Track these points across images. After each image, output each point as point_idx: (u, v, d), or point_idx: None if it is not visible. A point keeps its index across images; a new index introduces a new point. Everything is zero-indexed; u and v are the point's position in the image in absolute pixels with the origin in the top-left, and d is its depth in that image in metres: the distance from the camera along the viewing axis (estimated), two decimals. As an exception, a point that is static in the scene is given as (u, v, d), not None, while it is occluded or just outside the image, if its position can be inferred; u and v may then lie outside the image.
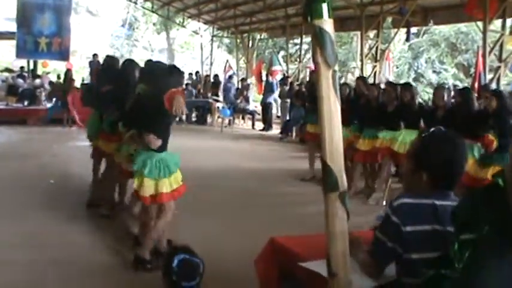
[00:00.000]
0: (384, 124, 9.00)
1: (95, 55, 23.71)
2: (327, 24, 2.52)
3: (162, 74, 5.60)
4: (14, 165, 10.44)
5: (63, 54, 20.93)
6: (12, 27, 23.60)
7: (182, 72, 6.11)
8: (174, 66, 6.39)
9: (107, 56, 9.23)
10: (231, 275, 5.17)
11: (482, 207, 1.92)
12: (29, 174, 9.52)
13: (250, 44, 29.57)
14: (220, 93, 22.33)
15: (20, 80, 20.42)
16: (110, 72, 7.55)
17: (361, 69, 19.31)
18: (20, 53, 21.63)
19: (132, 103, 5.81)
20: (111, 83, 6.97)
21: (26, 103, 18.45)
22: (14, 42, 22.18)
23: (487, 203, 1.92)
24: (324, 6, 2.51)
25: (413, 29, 22.08)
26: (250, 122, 20.87)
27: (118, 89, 6.62)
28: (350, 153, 9.11)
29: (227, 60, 25.84)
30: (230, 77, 23.32)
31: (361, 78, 10.99)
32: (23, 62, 23.91)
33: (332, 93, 2.50)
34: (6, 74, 23.20)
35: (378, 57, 19.28)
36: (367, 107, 9.47)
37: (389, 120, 8.95)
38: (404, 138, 8.36)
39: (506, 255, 1.83)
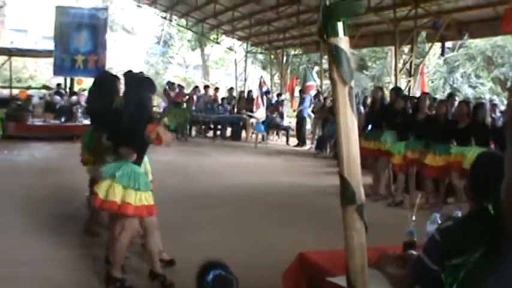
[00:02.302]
0: (455, 140, 9.28)
1: (130, 72, 23.90)
2: (343, 42, 2.58)
3: (134, 86, 5.48)
4: (51, 182, 10.59)
5: (100, 71, 21.13)
6: (50, 45, 23.97)
7: (151, 82, 5.95)
8: (144, 76, 6.36)
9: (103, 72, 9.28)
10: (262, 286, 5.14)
11: (473, 234, 1.99)
12: (64, 190, 9.65)
13: (284, 60, 29.58)
14: (254, 109, 22.35)
15: (57, 97, 20.70)
16: (98, 88, 7.56)
17: (395, 84, 19.16)
18: (58, 70, 21.92)
19: (110, 117, 5.74)
20: (100, 99, 6.97)
21: (63, 119, 18.69)
22: (51, 60, 22.52)
23: (476, 230, 1.99)
24: (340, 24, 2.57)
25: (448, 43, 21.90)
26: (284, 138, 20.85)
27: (104, 104, 6.52)
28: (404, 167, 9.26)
29: (261, 76, 25.86)
30: (268, 92, 23.35)
31: (397, 89, 11.12)
32: (60, 79, 24.24)
33: (349, 109, 2.55)
34: (44, 91, 23.52)
35: (412, 72, 19.11)
36: (434, 123, 9.51)
37: (460, 136, 9.11)
38: (474, 155, 8.35)
39: (498, 270, 1.91)
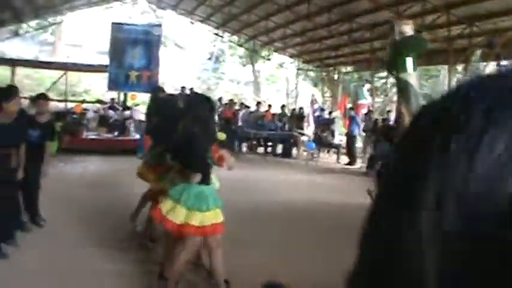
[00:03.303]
0: None
1: (183, 88, 24.16)
2: (412, 77, 2.57)
3: (196, 106, 5.56)
4: (105, 194, 10.75)
5: (152, 87, 21.31)
6: (104, 60, 24.41)
7: (212, 101, 5.97)
8: (205, 96, 6.38)
9: (157, 87, 9.43)
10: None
11: None
12: (117, 203, 9.77)
13: (335, 77, 29.50)
14: (305, 126, 22.31)
15: (111, 111, 21.05)
16: (156, 105, 7.67)
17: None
18: (112, 85, 22.29)
19: (176, 139, 5.78)
20: (157, 115, 7.07)
21: (116, 133, 18.98)
22: (105, 75, 22.92)
23: None
24: (409, 60, 2.56)
25: (504, 62, 21.52)
26: (335, 156, 20.72)
27: (163, 122, 6.66)
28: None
29: (313, 94, 25.85)
30: (322, 109, 23.32)
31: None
32: (113, 94, 24.63)
33: None
34: (98, 105, 23.93)
35: (466, 92, 18.81)
36: None
37: None
38: None
39: None
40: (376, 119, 19.44)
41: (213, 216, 5.32)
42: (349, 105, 23.11)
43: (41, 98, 8.35)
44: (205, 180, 5.38)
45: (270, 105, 24.66)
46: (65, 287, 5.66)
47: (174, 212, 5.22)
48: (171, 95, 7.86)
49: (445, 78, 24.35)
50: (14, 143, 6.64)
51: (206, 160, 5.30)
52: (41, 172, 7.83)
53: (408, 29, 2.65)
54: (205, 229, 5.27)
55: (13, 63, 26.44)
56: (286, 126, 22.43)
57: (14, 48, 36.12)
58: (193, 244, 5.39)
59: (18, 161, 6.95)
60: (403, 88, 2.39)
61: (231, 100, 23.27)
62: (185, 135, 5.37)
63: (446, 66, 20.59)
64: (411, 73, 2.39)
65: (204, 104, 5.61)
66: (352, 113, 20.60)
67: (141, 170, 7.50)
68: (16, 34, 29.44)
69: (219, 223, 5.38)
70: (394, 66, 2.44)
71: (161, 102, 7.44)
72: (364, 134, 20.32)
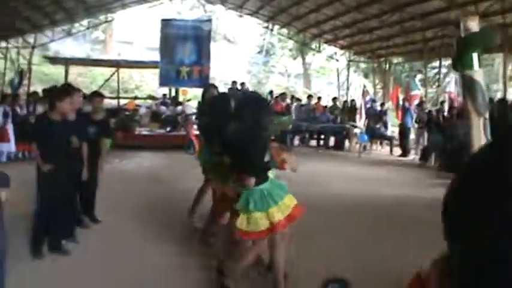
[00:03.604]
0: None
1: (234, 82, 24.14)
2: (478, 74, 2.49)
3: (253, 109, 5.34)
4: (160, 189, 10.87)
5: (203, 82, 21.43)
6: (153, 56, 24.66)
7: (268, 103, 5.78)
8: (261, 97, 6.21)
9: (209, 84, 9.38)
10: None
11: None
12: (173, 198, 9.86)
13: (386, 68, 29.15)
14: (357, 119, 22.11)
15: (163, 107, 21.26)
16: (208, 103, 7.59)
17: (504, 92, 18.45)
18: (163, 81, 22.51)
19: (227, 141, 5.59)
20: (209, 114, 6.99)
21: (168, 129, 19.14)
22: (156, 71, 23.15)
23: None
24: (475, 56, 2.48)
25: None
26: (387, 148, 20.48)
27: (214, 121, 6.51)
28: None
29: (364, 86, 25.59)
30: (374, 100, 23.05)
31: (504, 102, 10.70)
32: (165, 90, 24.84)
33: (483, 139, 2.46)
34: (149, 101, 24.17)
35: (522, 80, 18.36)
36: None
37: None
38: None
39: None
40: (430, 110, 19.10)
41: (290, 201, 5.27)
42: (401, 97, 22.78)
43: (95, 96, 8.46)
44: (262, 180, 5.26)
45: (319, 98, 24.48)
46: (123, 282, 5.70)
47: (254, 223, 5.13)
48: (224, 92, 7.78)
49: (500, 67, 23.77)
50: (69, 141, 6.69)
51: (264, 164, 5.17)
52: (98, 168, 7.93)
53: (474, 25, 2.57)
54: (291, 215, 5.22)
55: (66, 62, 26.96)
56: (338, 119, 22.28)
57: (67, 48, 36.84)
58: (263, 244, 5.34)
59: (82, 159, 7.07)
60: (469, 86, 2.32)
61: (283, 93, 23.16)
62: (238, 138, 5.25)
63: (501, 54, 20.06)
64: (477, 70, 2.32)
65: (258, 104, 5.49)
66: (406, 104, 20.26)
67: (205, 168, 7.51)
68: (69, 33, 29.93)
69: (297, 204, 5.32)
70: (460, 63, 2.37)
71: (213, 101, 7.37)
72: (416, 125, 19.97)
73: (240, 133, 5.23)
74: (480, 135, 2.41)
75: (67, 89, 6.88)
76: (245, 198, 5.17)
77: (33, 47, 28.36)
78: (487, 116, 2.37)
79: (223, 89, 17.27)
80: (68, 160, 6.54)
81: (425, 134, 18.67)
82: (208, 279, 5.86)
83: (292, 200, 5.32)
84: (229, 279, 5.38)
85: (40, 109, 13.15)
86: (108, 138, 8.49)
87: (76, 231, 7.23)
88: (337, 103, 24.11)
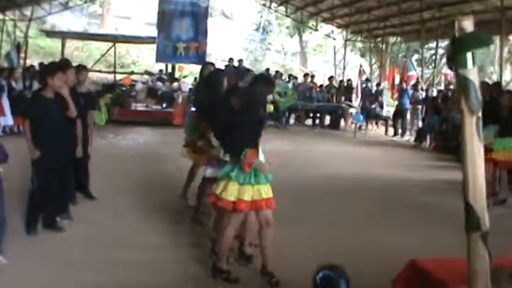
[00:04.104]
0: None
1: (230, 59, 24.08)
2: (472, 73, 2.56)
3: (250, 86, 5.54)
4: (153, 167, 10.90)
5: (200, 58, 21.39)
6: (151, 31, 24.59)
7: (268, 81, 5.85)
8: (261, 76, 6.30)
9: (207, 62, 9.37)
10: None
11: None
12: (166, 176, 9.91)
13: (383, 48, 29.13)
14: (354, 98, 22.13)
15: (159, 83, 21.18)
16: (205, 80, 7.59)
17: (500, 75, 18.47)
18: (160, 57, 22.45)
19: (226, 117, 5.65)
20: (206, 91, 7.02)
21: (164, 105, 19.12)
22: (153, 46, 23.09)
23: None
24: (469, 55, 2.56)
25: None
26: (383, 128, 20.53)
27: (208, 98, 6.63)
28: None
29: (361, 65, 25.58)
30: (367, 80, 23.02)
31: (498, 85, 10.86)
32: (161, 66, 24.78)
33: (475, 138, 2.56)
34: (146, 77, 24.14)
35: (518, 62, 18.35)
36: None
37: None
38: None
39: None
40: (427, 89, 19.12)
41: (266, 191, 5.29)
42: (398, 77, 22.76)
43: (81, 69, 8.29)
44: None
45: (313, 76, 24.37)
46: (115, 260, 5.74)
47: (227, 189, 5.22)
48: (221, 70, 7.78)
49: (496, 49, 23.75)
50: (62, 117, 6.67)
51: (243, 147, 5.18)
52: (88, 143, 7.87)
53: (469, 25, 2.63)
54: (260, 203, 5.26)
55: (63, 35, 26.83)
56: (334, 98, 22.28)
57: (63, 21, 36.64)
58: (237, 220, 5.40)
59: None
60: (463, 84, 2.40)
61: (277, 72, 23.16)
62: (229, 117, 5.39)
63: (497, 37, 20.03)
64: (471, 68, 2.40)
65: (259, 84, 5.54)
66: (404, 85, 20.25)
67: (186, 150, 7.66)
68: (66, 7, 29.78)
69: (271, 198, 5.33)
70: (454, 61, 2.46)
71: (210, 78, 7.39)
72: (411, 106, 19.96)
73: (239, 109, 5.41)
74: (473, 131, 2.49)
75: (59, 64, 6.85)
76: (231, 167, 5.25)
77: (29, 20, 28.25)
78: (479, 114, 2.45)
79: (220, 66, 17.26)
80: (61, 138, 6.53)
81: (420, 115, 18.74)
82: (199, 258, 5.92)
83: (269, 192, 5.34)
84: (220, 260, 5.46)
85: (36, 85, 13.09)
86: (94, 110, 8.46)
87: (70, 207, 7.24)
88: (334, 82, 24.11)
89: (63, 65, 6.96)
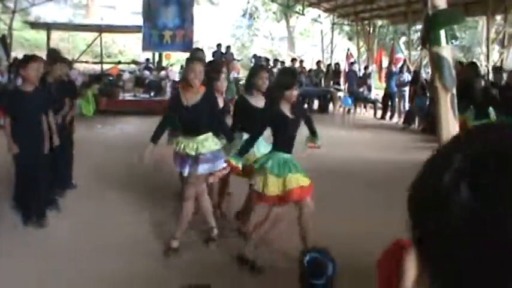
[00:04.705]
0: None
1: (218, 45, 24.03)
2: (445, 50, 2.55)
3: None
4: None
5: (187, 46, 21.31)
6: (138, 20, 24.43)
7: (289, 74, 5.84)
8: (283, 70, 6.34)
9: (195, 49, 9.34)
10: (359, 273, 5.05)
11: None
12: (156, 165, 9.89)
13: (370, 31, 29.10)
14: (342, 82, 22.13)
15: (147, 72, 21.16)
16: None
17: (487, 56, 18.46)
18: (146, 46, 22.29)
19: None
20: None
21: (152, 94, 19.08)
22: (139, 35, 22.96)
23: None
24: (442, 33, 2.54)
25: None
26: (371, 111, 20.57)
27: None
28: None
29: (348, 49, 25.56)
30: (352, 63, 23.01)
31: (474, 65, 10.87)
32: (148, 54, 24.67)
33: (450, 115, 2.55)
34: (133, 66, 24.03)
35: (506, 43, 18.32)
36: None
37: None
38: None
39: None
40: (415, 70, 19.12)
41: (302, 179, 5.32)
42: (386, 60, 22.75)
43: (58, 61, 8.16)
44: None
45: (301, 61, 24.36)
46: (103, 250, 5.73)
47: (267, 186, 5.17)
48: (211, 61, 7.78)
49: (483, 30, 23.75)
50: (43, 110, 6.66)
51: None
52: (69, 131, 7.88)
53: (442, 2, 2.61)
54: (305, 189, 5.30)
55: (48, 27, 26.62)
56: (323, 82, 22.28)
57: (48, 12, 36.36)
58: (306, 206, 5.39)
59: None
60: (436, 62, 2.40)
61: (260, 57, 23.19)
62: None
63: (484, 17, 19.99)
64: (444, 46, 2.40)
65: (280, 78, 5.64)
66: (393, 68, 20.25)
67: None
68: (50, -2, 29.53)
69: (309, 186, 5.38)
70: (428, 40, 2.46)
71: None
72: (396, 88, 19.95)
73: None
74: (447, 108, 2.49)
75: (29, 56, 6.80)
76: (266, 158, 5.28)
77: (13, 12, 27.97)
78: (454, 91, 2.45)
79: (207, 52, 17.18)
80: (38, 132, 6.50)
81: (406, 97, 18.76)
82: (188, 244, 5.92)
83: (306, 180, 5.35)
84: (246, 249, 5.48)
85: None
86: (75, 99, 8.40)
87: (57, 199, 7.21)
88: (321, 66, 24.09)
89: (33, 56, 6.90)
